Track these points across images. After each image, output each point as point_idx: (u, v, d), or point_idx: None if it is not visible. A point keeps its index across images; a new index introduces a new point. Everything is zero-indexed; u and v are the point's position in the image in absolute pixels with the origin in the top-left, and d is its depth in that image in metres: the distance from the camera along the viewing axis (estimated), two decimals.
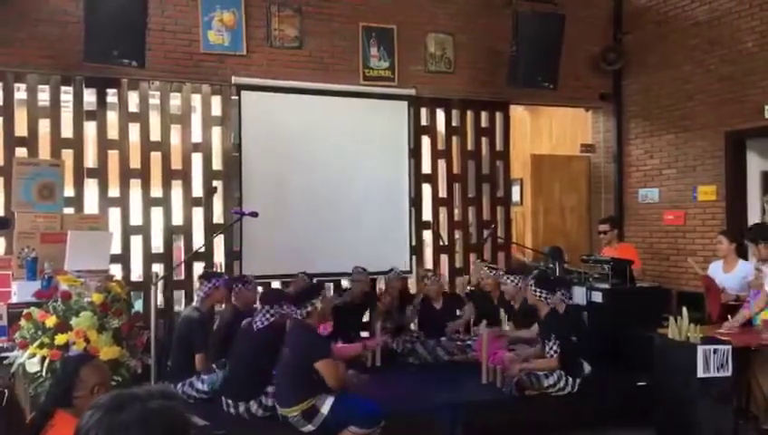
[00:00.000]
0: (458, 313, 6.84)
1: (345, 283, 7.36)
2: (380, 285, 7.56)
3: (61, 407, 2.69)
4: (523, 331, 6.03)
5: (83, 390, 2.74)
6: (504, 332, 6.09)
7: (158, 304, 5.92)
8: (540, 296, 5.34)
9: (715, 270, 6.16)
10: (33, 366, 4.25)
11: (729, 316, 5.50)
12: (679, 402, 4.76)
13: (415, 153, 7.88)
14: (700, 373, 4.62)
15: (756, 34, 6.96)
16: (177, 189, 7.00)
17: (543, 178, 9.31)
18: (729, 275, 6.01)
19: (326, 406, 4.36)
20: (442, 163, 8.10)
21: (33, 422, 2.66)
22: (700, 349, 4.64)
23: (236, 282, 5.84)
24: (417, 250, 7.90)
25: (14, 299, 5.20)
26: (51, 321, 4.39)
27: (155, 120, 6.96)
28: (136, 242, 6.85)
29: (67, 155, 6.60)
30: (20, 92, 6.58)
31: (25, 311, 4.61)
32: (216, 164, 7.17)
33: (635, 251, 7.42)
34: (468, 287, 7.53)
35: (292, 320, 4.63)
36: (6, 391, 1.64)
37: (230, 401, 4.68)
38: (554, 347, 5.19)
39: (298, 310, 4.53)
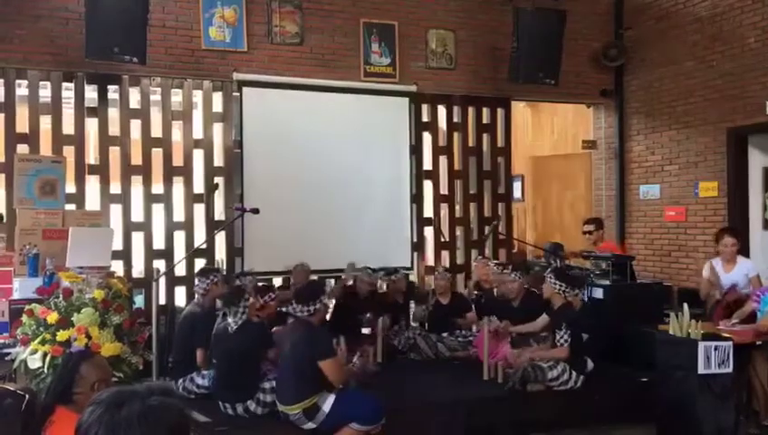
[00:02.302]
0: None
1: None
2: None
3: (61, 403, 2.70)
4: (527, 325, 6.03)
5: (84, 386, 2.74)
6: (509, 326, 6.08)
7: (160, 300, 5.93)
8: (558, 289, 5.39)
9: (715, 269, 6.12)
10: (34, 362, 4.25)
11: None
12: (680, 398, 4.74)
13: (416, 150, 7.89)
14: (701, 370, 4.61)
15: (758, 30, 6.94)
16: (178, 186, 7.01)
17: (544, 177, 9.34)
18: (731, 274, 5.97)
19: (327, 404, 4.36)
20: (443, 159, 8.10)
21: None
22: (701, 345, 4.62)
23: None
24: (418, 247, 7.91)
25: (15, 295, 5.20)
26: (52, 317, 4.39)
27: (156, 116, 6.97)
28: (137, 238, 6.85)
29: (68, 151, 6.60)
30: (21, 89, 6.58)
31: (27, 307, 4.62)
32: (218, 160, 7.17)
33: (616, 246, 7.47)
34: (471, 287, 7.49)
35: (293, 318, 4.62)
36: (27, 395, 1.66)
37: (227, 404, 4.68)
38: (565, 336, 5.23)
39: (305, 307, 4.51)
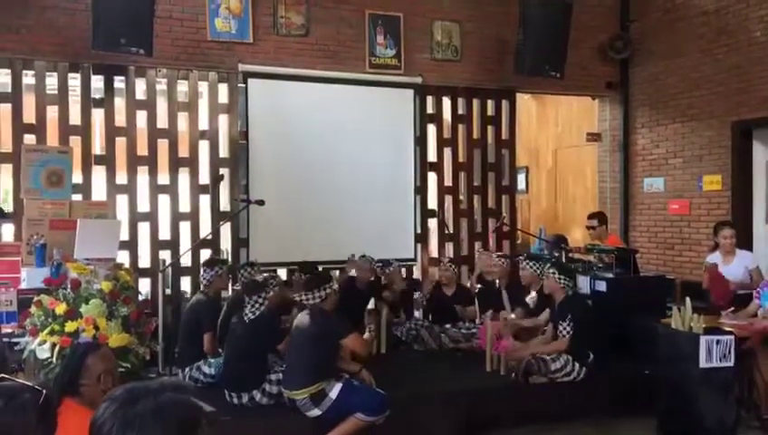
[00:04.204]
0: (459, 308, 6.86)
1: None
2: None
3: (68, 395, 2.73)
4: (527, 319, 6.07)
5: (90, 378, 2.77)
6: (511, 319, 6.11)
7: (166, 290, 5.98)
8: (561, 283, 5.40)
9: (714, 263, 6.16)
10: (43, 353, 4.31)
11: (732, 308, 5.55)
12: (682, 392, 4.79)
13: (421, 141, 7.90)
14: (702, 363, 4.64)
15: (764, 24, 6.92)
16: (183, 177, 7.05)
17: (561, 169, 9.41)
18: (730, 266, 6.02)
19: (335, 391, 4.41)
20: (448, 151, 8.11)
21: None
22: (703, 339, 4.66)
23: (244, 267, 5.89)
24: (422, 238, 7.93)
25: (23, 285, 5.26)
26: (61, 308, 4.44)
27: (162, 107, 6.99)
28: (143, 229, 6.89)
29: (75, 142, 6.64)
30: (27, 78, 6.61)
31: (36, 298, 4.67)
32: (223, 151, 7.20)
33: (620, 241, 7.49)
34: (474, 280, 7.51)
35: (305, 306, 4.68)
36: (45, 390, 1.69)
37: (232, 393, 4.73)
38: (567, 328, 5.26)
39: (316, 294, 4.58)
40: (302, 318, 4.66)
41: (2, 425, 1.56)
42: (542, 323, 5.87)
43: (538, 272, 5.95)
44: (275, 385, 4.67)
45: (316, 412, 4.43)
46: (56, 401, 2.65)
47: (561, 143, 10.00)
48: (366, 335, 4.94)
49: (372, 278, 6.80)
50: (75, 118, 6.69)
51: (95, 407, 1.44)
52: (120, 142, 6.86)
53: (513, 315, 6.25)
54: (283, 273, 7.18)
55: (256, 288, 4.93)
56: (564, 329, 5.30)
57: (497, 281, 6.90)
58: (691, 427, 4.73)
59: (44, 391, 1.66)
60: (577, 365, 5.24)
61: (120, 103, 6.87)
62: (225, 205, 7.19)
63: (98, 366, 2.81)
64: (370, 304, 7.33)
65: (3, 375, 1.73)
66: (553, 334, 5.50)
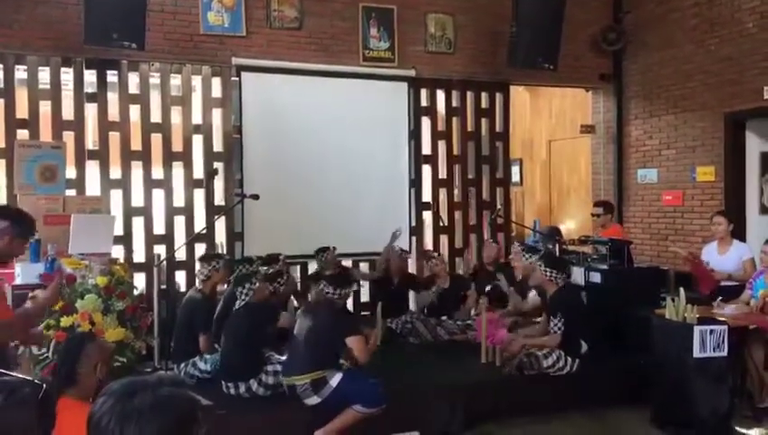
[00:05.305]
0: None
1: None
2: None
3: (67, 386, 2.75)
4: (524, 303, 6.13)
5: (87, 365, 2.80)
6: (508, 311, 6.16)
7: (161, 285, 5.98)
8: (549, 276, 5.40)
9: (710, 253, 6.22)
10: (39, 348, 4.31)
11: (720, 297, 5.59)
12: (676, 382, 4.82)
13: (415, 134, 7.90)
14: (696, 353, 4.68)
15: (756, 15, 6.94)
16: (177, 171, 7.04)
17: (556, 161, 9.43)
18: (724, 256, 6.08)
19: (335, 379, 4.44)
20: (442, 144, 8.12)
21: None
22: (696, 329, 4.69)
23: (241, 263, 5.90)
24: (417, 231, 7.95)
25: (17, 281, 5.25)
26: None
27: (155, 101, 6.97)
28: (138, 223, 6.89)
29: (68, 137, 6.62)
30: (20, 73, 6.58)
31: (31, 294, 4.65)
32: (217, 146, 7.19)
33: (621, 231, 7.50)
34: (470, 268, 7.52)
35: (322, 298, 4.74)
36: (45, 384, 1.70)
37: (229, 384, 4.75)
38: (559, 324, 5.27)
39: (336, 291, 4.65)
40: (311, 308, 4.70)
41: (3, 419, 1.57)
42: (529, 307, 5.90)
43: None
44: (272, 376, 4.70)
45: (315, 400, 4.44)
46: (56, 396, 2.67)
47: (554, 135, 10.02)
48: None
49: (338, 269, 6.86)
50: (68, 113, 6.67)
51: (89, 398, 1.45)
52: (114, 137, 6.84)
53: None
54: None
55: (242, 279, 5.05)
56: (555, 326, 5.31)
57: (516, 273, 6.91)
58: (685, 416, 4.77)
59: (44, 386, 1.67)
60: (569, 359, 5.25)
61: (112, 98, 6.85)
62: (219, 199, 7.19)
63: (95, 355, 2.85)
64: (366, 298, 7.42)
65: (2, 371, 1.73)
66: (546, 326, 5.52)
